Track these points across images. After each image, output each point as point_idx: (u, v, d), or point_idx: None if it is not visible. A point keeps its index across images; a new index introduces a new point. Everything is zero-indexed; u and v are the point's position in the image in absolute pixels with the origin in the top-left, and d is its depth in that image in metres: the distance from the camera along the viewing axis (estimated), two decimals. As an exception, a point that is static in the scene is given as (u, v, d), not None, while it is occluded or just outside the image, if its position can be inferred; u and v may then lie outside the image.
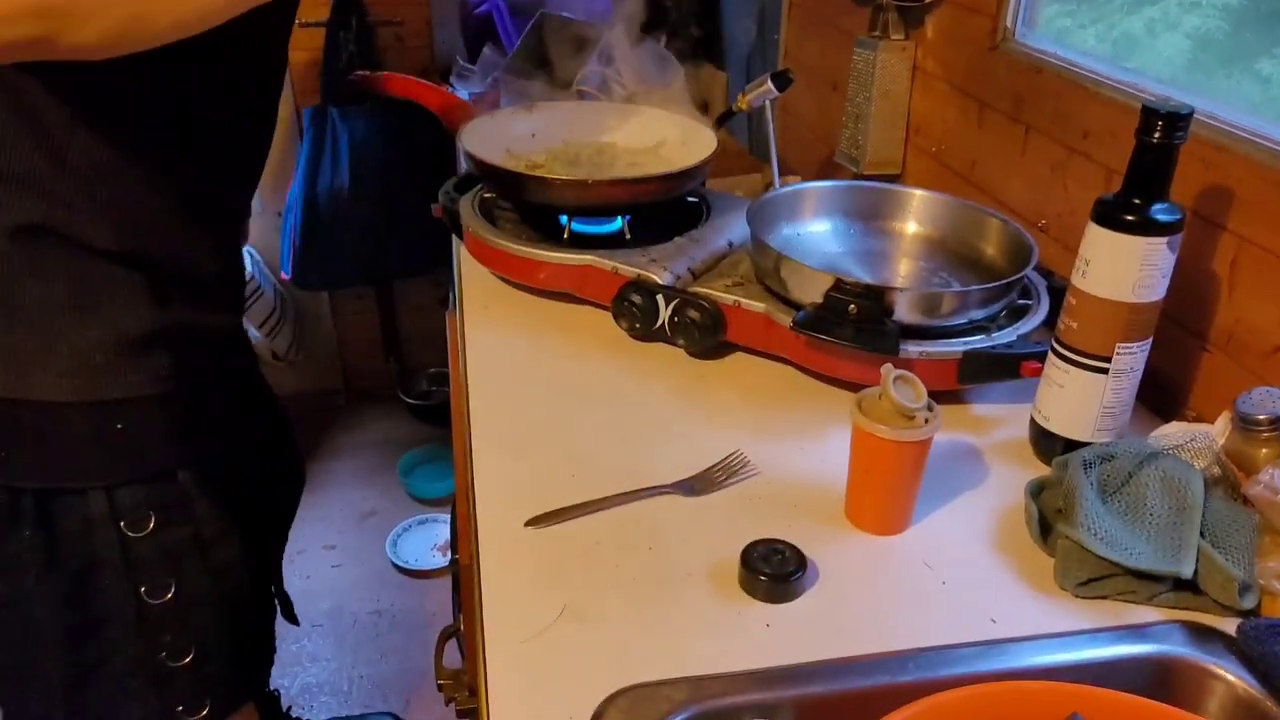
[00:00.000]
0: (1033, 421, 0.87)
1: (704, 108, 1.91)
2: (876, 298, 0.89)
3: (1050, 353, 0.84)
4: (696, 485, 0.82)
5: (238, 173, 0.93)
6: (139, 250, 0.82)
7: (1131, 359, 0.79)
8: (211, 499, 0.91)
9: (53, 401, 0.81)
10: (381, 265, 2.43)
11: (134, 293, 0.83)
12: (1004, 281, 0.92)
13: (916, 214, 1.12)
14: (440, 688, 1.00)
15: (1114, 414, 0.81)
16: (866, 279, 1.00)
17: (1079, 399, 0.81)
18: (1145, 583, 0.70)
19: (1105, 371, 0.80)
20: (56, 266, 0.80)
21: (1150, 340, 0.80)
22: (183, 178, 0.84)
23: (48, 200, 0.78)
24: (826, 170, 1.62)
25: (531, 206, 1.18)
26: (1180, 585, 0.70)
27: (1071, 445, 0.82)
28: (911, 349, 0.89)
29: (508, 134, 1.29)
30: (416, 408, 2.61)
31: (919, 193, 1.13)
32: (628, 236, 1.14)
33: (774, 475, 0.84)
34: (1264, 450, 0.75)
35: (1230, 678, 0.64)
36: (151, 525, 0.87)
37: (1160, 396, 0.94)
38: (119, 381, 0.83)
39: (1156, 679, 0.66)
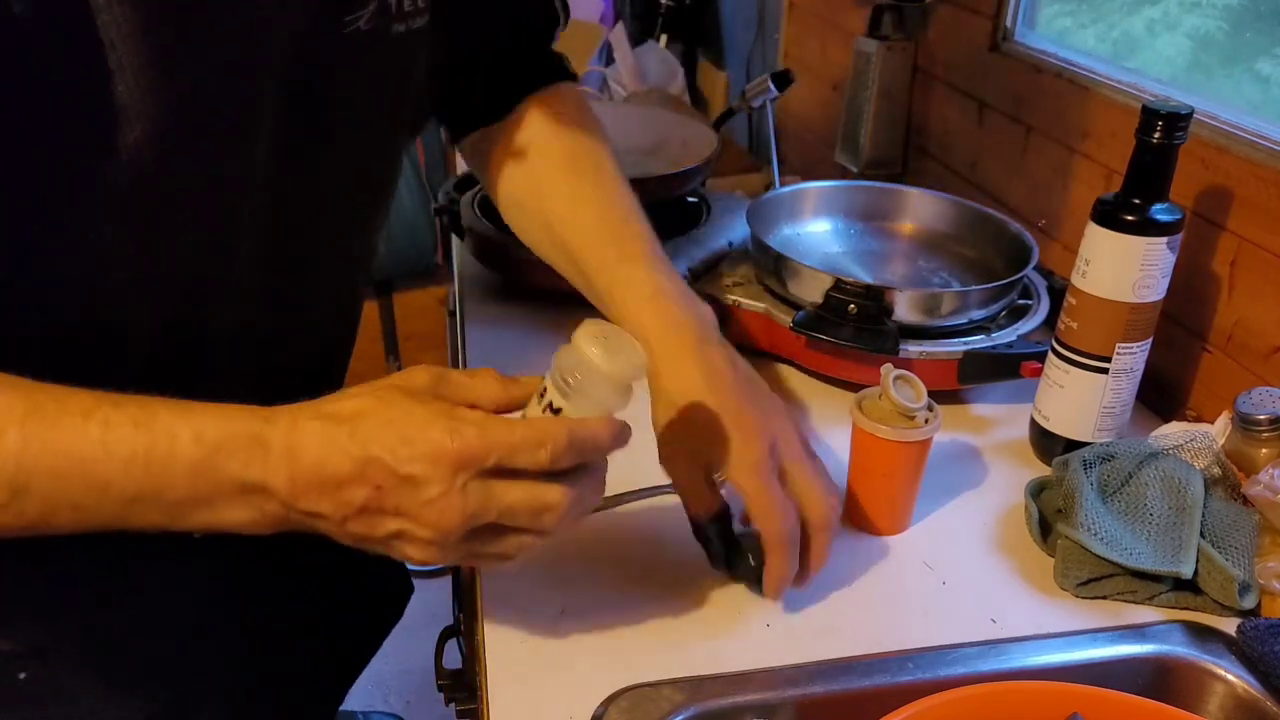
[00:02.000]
0: (1033, 421, 0.87)
1: (704, 108, 1.92)
2: (876, 298, 0.89)
3: (1050, 353, 0.84)
4: (696, 485, 0.81)
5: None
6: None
7: (1131, 359, 0.79)
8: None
9: None
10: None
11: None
12: (1004, 281, 0.92)
13: (916, 214, 1.12)
14: (440, 688, 1.00)
15: (1114, 414, 0.81)
16: (866, 279, 1.00)
17: (1079, 399, 0.81)
18: (1145, 583, 0.70)
19: (1105, 371, 0.80)
20: None
21: (1150, 340, 0.80)
22: None
23: None
24: (826, 170, 1.62)
25: (531, 206, 1.18)
26: (1180, 585, 0.70)
27: (1071, 445, 0.82)
28: (911, 349, 0.89)
29: (508, 134, 1.28)
30: (416, 408, 2.61)
31: (919, 193, 1.13)
32: (628, 236, 1.14)
33: (774, 475, 0.83)
34: (1264, 450, 0.75)
35: (1230, 678, 0.64)
36: None
37: (1160, 396, 0.94)
38: None
39: (1156, 679, 0.66)
